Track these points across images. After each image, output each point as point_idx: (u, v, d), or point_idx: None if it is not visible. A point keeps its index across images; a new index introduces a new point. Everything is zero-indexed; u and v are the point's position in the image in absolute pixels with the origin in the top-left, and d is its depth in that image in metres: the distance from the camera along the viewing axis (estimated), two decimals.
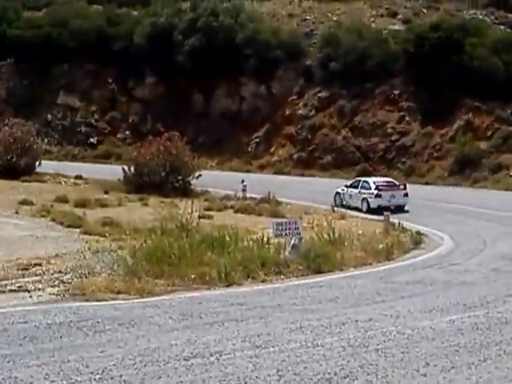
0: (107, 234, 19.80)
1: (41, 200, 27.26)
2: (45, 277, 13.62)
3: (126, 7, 61.90)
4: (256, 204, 29.71)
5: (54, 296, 12.02)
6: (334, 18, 55.42)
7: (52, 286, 12.75)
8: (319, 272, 15.33)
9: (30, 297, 11.99)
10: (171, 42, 52.76)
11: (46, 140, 50.80)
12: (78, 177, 38.09)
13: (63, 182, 36.46)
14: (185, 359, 8.13)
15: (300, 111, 49.95)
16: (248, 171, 46.44)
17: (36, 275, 13.82)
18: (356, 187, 31.81)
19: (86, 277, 13.36)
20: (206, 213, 24.91)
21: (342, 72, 48.08)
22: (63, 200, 27.65)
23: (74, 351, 8.43)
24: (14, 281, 13.17)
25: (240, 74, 51.57)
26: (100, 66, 55.74)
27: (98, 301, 11.68)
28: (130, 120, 54.65)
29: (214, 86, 52.22)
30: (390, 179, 33.76)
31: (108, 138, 54.25)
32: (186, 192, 32.36)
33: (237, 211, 28.08)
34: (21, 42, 55.87)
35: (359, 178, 33.91)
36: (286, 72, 51.32)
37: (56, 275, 13.73)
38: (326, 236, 18.09)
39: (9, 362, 8.01)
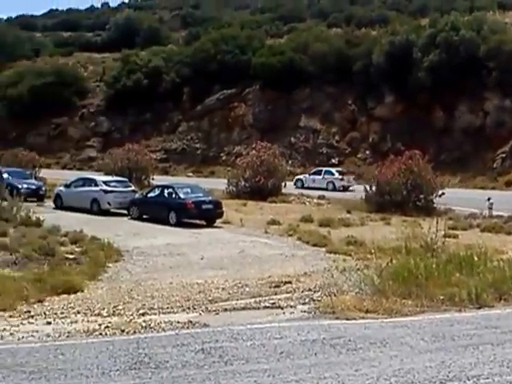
0: (352, 253, 20.03)
1: (287, 220, 28.20)
2: (295, 294, 14.06)
3: (364, 27, 62.69)
4: (504, 222, 28.48)
5: (305, 313, 12.30)
6: None
7: (303, 304, 13.08)
8: None
9: (283, 313, 12.38)
10: (410, 59, 52.44)
11: (289, 162, 52.78)
12: (321, 197, 38.94)
13: (307, 203, 37.44)
14: (441, 382, 7.97)
15: None
16: (493, 188, 44.72)
17: (287, 292, 14.30)
18: (319, 174, 46.89)
19: (334, 295, 13.57)
20: (451, 232, 24.28)
21: None
22: (308, 220, 28.37)
23: (329, 368, 8.59)
24: (267, 297, 13.77)
25: (483, 88, 49.94)
26: (340, 88, 56.81)
27: (347, 319, 11.73)
28: (370, 139, 54.95)
29: (456, 102, 51.00)
30: (341, 169, 48.55)
31: (349, 158, 54.97)
32: (428, 211, 31.81)
33: (483, 230, 27.05)
34: (265, 68, 58.59)
35: (320, 168, 48.06)
36: None
37: (306, 293, 14.13)
38: None
39: (268, 376, 8.30)
